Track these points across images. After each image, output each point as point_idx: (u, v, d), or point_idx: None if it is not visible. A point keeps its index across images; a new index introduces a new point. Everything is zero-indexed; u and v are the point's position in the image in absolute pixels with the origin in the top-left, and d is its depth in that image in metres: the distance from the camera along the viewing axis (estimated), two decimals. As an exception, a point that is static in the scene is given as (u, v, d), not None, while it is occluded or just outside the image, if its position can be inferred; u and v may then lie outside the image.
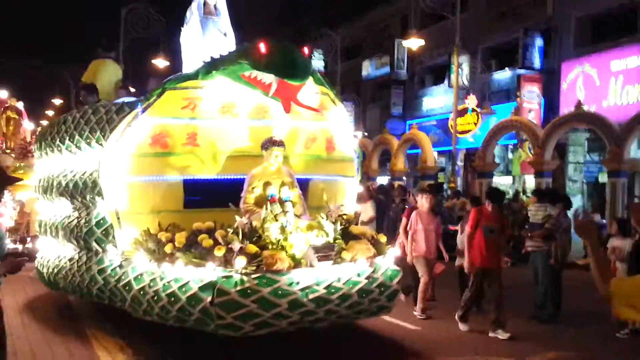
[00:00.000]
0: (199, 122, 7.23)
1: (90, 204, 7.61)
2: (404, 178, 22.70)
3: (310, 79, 7.49)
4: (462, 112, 20.57)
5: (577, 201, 14.69)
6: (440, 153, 23.18)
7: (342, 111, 8.26)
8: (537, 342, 7.72)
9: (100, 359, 6.66)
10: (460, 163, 22.56)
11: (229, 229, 6.46)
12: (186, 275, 6.25)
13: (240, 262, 6.08)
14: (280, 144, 7.25)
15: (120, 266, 7.11)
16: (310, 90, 7.66)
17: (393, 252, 7.23)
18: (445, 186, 21.77)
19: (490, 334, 7.92)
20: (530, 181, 18.82)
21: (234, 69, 7.10)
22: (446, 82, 22.66)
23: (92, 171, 7.42)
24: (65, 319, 8.39)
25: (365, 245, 6.89)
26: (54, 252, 8.75)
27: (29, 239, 13.39)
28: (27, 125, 16.76)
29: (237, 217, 6.53)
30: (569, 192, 16.13)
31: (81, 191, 7.66)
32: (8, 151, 15.94)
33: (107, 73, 9.93)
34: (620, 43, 15.71)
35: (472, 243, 8.14)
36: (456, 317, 8.26)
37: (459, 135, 19.92)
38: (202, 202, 7.25)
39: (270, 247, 6.42)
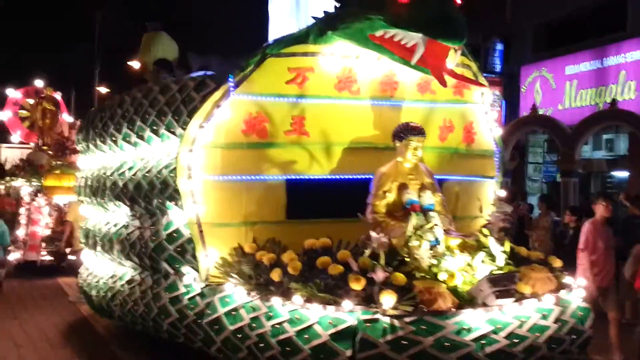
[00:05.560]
0: (309, 102, 5.41)
1: (158, 211, 5.80)
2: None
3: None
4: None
5: (535, 200, 14.91)
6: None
7: (485, 91, 6.33)
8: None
9: None
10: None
11: (365, 250, 4.57)
12: (308, 316, 4.35)
13: (388, 300, 4.17)
14: (420, 132, 5.35)
15: (202, 295, 5.26)
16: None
17: (576, 282, 5.24)
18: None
19: None
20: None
21: (359, 28, 5.12)
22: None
23: (161, 168, 5.65)
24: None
25: (545, 273, 4.94)
26: (105, 271, 6.94)
27: (69, 253, 11.40)
28: (66, 118, 15.00)
29: (373, 233, 4.65)
30: (528, 191, 17.30)
31: (146, 194, 5.85)
32: (45, 148, 14.20)
33: (162, 47, 8.08)
34: (572, 50, 16.60)
35: None
36: None
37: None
38: (310, 211, 5.39)
39: (418, 275, 4.54)
